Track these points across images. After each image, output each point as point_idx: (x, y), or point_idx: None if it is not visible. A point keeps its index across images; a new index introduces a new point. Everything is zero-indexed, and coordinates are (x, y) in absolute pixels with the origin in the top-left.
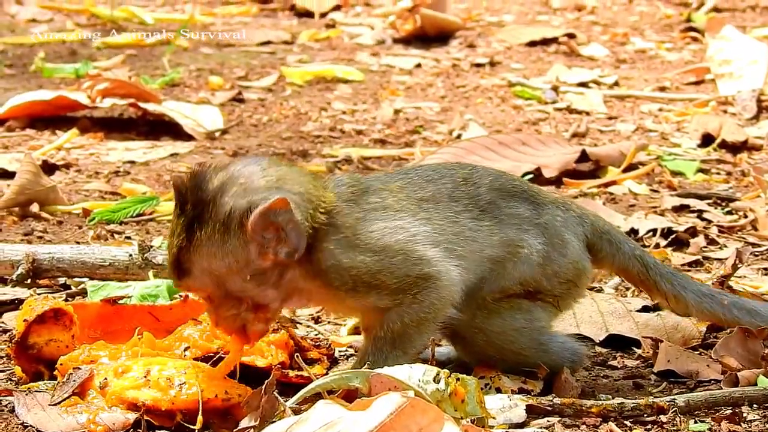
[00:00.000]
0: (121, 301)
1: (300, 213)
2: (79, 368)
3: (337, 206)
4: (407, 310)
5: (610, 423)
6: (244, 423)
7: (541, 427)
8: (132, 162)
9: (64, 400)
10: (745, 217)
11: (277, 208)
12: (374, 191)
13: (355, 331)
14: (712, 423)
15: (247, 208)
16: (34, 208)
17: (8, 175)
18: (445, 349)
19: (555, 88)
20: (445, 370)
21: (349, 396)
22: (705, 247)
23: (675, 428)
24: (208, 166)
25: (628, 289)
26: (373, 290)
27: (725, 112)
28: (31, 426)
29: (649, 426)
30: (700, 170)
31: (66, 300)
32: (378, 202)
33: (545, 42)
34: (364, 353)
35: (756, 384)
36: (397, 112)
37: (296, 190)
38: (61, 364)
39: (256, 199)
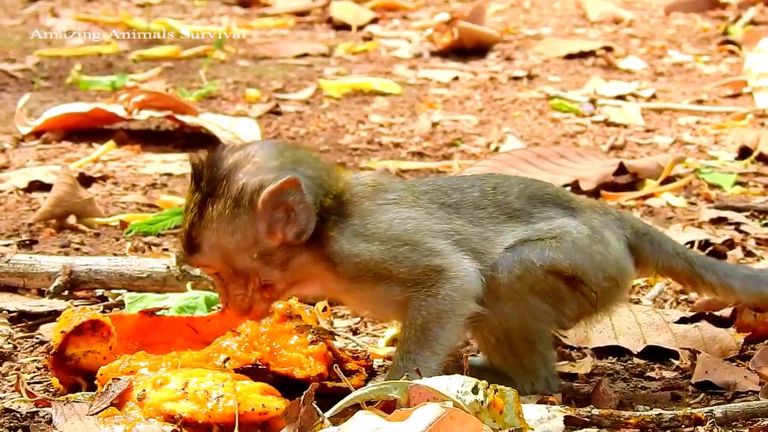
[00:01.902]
0: (158, 313)
1: (311, 196)
2: (119, 379)
3: (351, 199)
4: (423, 303)
5: None
6: None
7: None
8: (169, 174)
9: (102, 410)
10: None
11: (289, 188)
12: (393, 190)
13: (393, 342)
14: None
15: (259, 186)
16: (71, 220)
17: (45, 187)
18: (478, 360)
19: (593, 101)
20: (484, 381)
21: (388, 407)
22: (742, 259)
23: None
24: (224, 146)
25: (665, 301)
26: (381, 281)
27: (763, 125)
28: None
29: None
30: (738, 183)
31: (103, 312)
32: (393, 199)
33: (583, 55)
34: (394, 359)
35: None
36: (434, 125)
37: (309, 173)
38: (101, 374)
39: (268, 177)
